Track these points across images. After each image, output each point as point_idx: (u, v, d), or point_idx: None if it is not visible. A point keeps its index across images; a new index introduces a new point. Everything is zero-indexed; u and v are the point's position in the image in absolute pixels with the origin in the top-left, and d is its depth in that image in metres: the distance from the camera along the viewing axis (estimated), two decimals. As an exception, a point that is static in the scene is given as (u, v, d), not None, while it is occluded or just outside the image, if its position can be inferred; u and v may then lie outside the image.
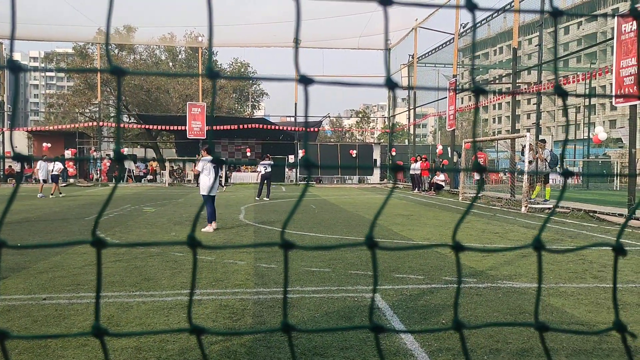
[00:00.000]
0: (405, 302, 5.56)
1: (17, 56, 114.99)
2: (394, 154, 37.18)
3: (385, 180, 37.09)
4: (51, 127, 39.11)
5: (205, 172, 10.84)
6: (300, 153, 35.77)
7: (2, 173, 35.31)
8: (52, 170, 22.26)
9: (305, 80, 0.89)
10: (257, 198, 20.48)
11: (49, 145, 36.09)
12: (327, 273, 6.90)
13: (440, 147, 32.41)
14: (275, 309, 5.29)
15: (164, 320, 4.89)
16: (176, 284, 6.28)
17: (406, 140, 41.74)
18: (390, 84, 0.90)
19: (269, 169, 20.37)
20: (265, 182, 20.50)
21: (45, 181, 21.95)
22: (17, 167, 36.06)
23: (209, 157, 10.75)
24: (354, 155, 36.93)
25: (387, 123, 46.46)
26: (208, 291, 5.94)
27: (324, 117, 45.97)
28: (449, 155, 28.58)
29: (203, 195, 10.79)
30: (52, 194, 21.70)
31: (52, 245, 0.99)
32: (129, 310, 5.18)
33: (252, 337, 4.46)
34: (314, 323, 4.84)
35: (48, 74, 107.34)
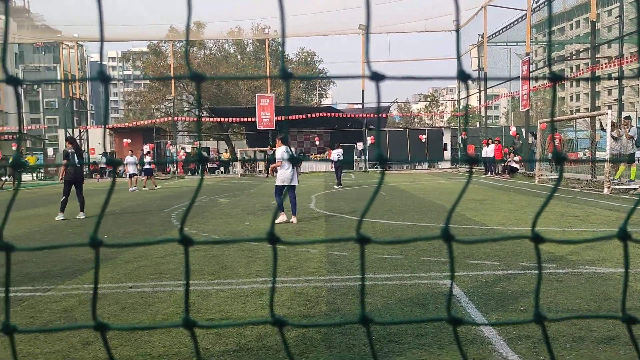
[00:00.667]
0: (480, 288, 5.46)
1: (95, 57, 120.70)
2: (464, 137, 36.32)
3: (457, 165, 36.32)
4: (130, 124, 40.85)
5: (284, 163, 10.83)
6: (369, 140, 35.63)
7: (88, 169, 37.32)
8: (145, 164, 23.35)
9: (376, 77, 0.89)
10: (336, 186, 20.66)
11: (129, 140, 37.73)
12: (400, 260, 6.87)
13: (513, 129, 31.35)
14: (348, 296, 5.33)
15: (241, 308, 5.04)
16: (252, 272, 6.45)
17: (477, 123, 40.62)
18: (463, 76, 0.89)
19: (341, 157, 20.83)
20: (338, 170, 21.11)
21: (132, 175, 22.85)
22: (102, 163, 38.00)
23: (283, 147, 10.76)
24: (423, 141, 36.38)
25: (456, 106, 45.40)
26: (282, 279, 6.07)
27: (391, 102, 45.52)
28: (524, 137, 27.60)
29: (277, 186, 10.62)
30: (144, 187, 22.80)
31: (148, 243, 1.06)
32: (208, 298, 5.38)
33: (324, 322, 4.52)
34: (387, 310, 4.85)
35: (126, 72, 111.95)
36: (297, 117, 36.19)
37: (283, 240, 1.04)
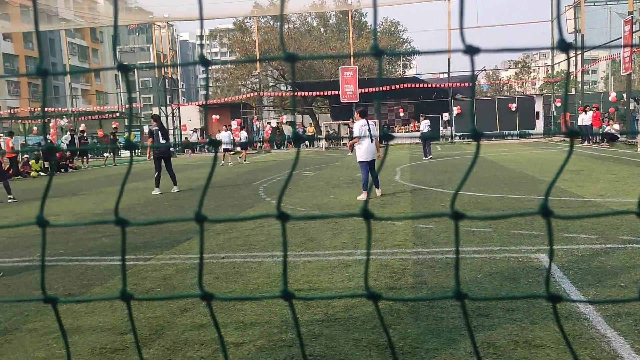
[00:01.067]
0: (576, 263, 5.24)
1: (185, 36, 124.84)
2: (558, 104, 34.47)
3: (550, 135, 34.64)
4: (218, 100, 42.09)
5: (361, 137, 10.42)
6: (455, 110, 34.67)
7: (180, 145, 38.98)
8: (241, 139, 24.17)
9: (471, 50, 0.87)
10: (425, 158, 20.35)
11: (217, 117, 38.94)
12: (489, 233, 6.71)
13: (613, 94, 29.35)
14: (435, 269, 5.29)
15: (328, 279, 5.14)
16: (338, 244, 6.53)
17: (573, 89, 38.42)
18: (563, 46, 0.84)
19: (430, 129, 20.68)
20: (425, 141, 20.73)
21: (227, 150, 23.58)
22: (192, 138, 39.53)
23: (361, 122, 10.23)
24: (513, 110, 34.90)
25: (549, 72, 43.08)
26: (367, 250, 6.10)
27: (479, 70, 43.91)
28: (623, 103, 25.79)
29: (360, 162, 10.28)
30: (241, 159, 23.71)
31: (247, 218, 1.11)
32: (296, 269, 5.52)
33: (414, 295, 4.53)
34: (476, 284, 4.77)
35: (213, 50, 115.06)
36: (380, 88, 35.75)
37: (376, 216, 1.05)
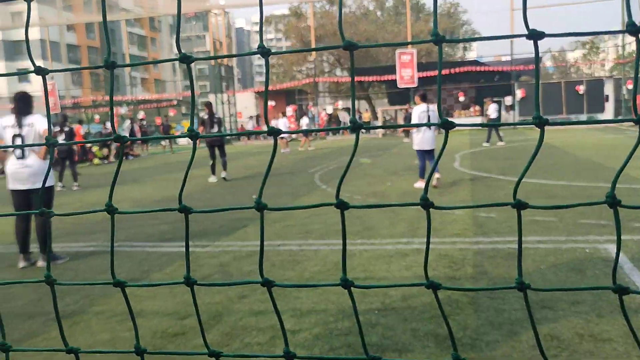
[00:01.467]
0: (648, 255, 4.97)
1: (240, 23, 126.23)
2: (629, 87, 32.82)
3: (620, 118, 33.06)
4: (273, 87, 42.41)
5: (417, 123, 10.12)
6: (519, 94, 33.60)
7: (235, 134, 39.50)
8: (302, 125, 24.35)
9: (536, 35, 0.79)
10: (501, 142, 19.95)
11: (273, 103, 39.26)
12: (554, 222, 6.46)
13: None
14: (496, 259, 5.14)
15: (385, 268, 5.08)
16: (395, 233, 6.45)
17: (643, 71, 36.39)
18: (633, 29, 0.75)
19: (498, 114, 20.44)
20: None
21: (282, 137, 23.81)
22: (248, 125, 40.05)
23: (423, 106, 9.82)
24: (581, 93, 33.48)
25: (620, 52, 41.04)
26: (426, 239, 5.99)
27: (544, 52, 42.34)
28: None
29: (417, 151, 9.91)
30: (302, 147, 23.92)
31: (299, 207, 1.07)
32: (352, 257, 5.49)
33: (473, 286, 4.41)
34: (539, 275, 4.60)
35: (268, 37, 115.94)
36: (440, 78, 35.04)
37: (436, 205, 0.99)
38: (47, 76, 1.11)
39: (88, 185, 13.96)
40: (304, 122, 24.89)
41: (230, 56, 0.86)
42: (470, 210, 7.47)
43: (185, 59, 0.96)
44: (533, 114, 0.88)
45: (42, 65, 1.12)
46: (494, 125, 0.94)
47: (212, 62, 42.20)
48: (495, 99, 22.23)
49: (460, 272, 4.83)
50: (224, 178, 12.94)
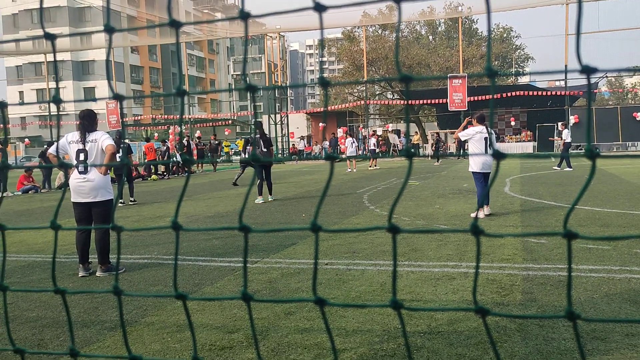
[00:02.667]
0: None
1: (295, 46, 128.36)
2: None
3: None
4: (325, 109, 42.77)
5: (473, 144, 9.25)
6: (573, 119, 32.77)
7: (288, 152, 40.06)
8: (347, 146, 24.55)
9: (588, 70, 0.84)
10: (561, 168, 19.88)
11: (324, 124, 39.61)
12: (607, 251, 6.28)
13: None
14: (546, 286, 5.04)
15: (432, 290, 5.06)
16: (442, 256, 6.41)
17: None
18: None
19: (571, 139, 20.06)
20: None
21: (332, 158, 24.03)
22: (299, 146, 40.53)
23: (480, 127, 9.24)
24: (639, 119, 32.37)
25: (682, 78, 39.48)
26: (474, 264, 5.93)
27: (600, 77, 41.20)
28: None
29: (473, 173, 9.32)
30: (371, 167, 24.15)
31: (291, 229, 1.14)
32: (399, 279, 5.49)
33: (522, 313, 4.34)
34: (592, 305, 4.49)
35: (323, 59, 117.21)
36: (491, 96, 34.62)
37: (486, 232, 1.04)
38: (109, 94, 1.23)
39: (145, 201, 14.43)
40: (349, 142, 24.96)
41: (291, 87, 0.95)
42: (521, 236, 7.33)
43: (251, 88, 1.05)
44: (586, 141, 0.92)
45: (109, 82, 1.24)
46: (542, 155, 0.99)
47: (267, 82, 43.05)
48: (543, 125, 21.89)
49: (508, 298, 4.76)
50: (270, 200, 12.93)
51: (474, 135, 9.17)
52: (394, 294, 1.11)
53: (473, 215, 9.39)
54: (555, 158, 20.76)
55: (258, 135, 12.86)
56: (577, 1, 0.82)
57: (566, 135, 19.75)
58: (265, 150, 12.69)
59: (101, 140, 6.13)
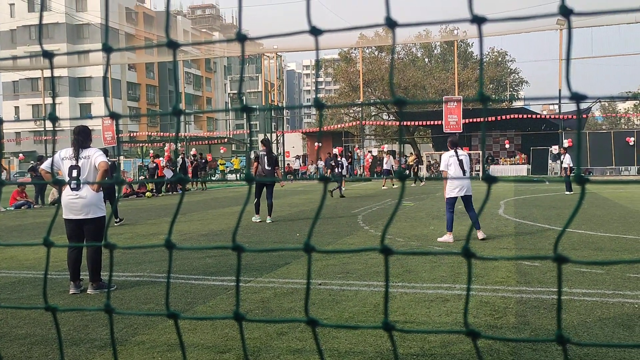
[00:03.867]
0: (701, 314, 4.77)
1: (292, 66, 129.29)
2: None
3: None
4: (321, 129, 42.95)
5: (449, 170, 9.18)
6: (566, 143, 33.01)
7: (283, 171, 40.10)
8: (385, 166, 24.57)
9: (577, 97, 0.86)
10: (568, 192, 19.52)
11: (320, 144, 39.73)
12: (600, 275, 6.28)
13: None
14: (540, 309, 5.03)
15: (425, 312, 5.04)
16: (436, 277, 6.40)
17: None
18: None
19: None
20: None
21: (327, 179, 24.07)
22: (295, 165, 40.58)
23: (450, 152, 9.21)
24: (632, 144, 32.65)
25: (675, 104, 39.95)
26: (467, 286, 5.91)
27: (593, 102, 41.62)
28: None
29: (448, 199, 9.18)
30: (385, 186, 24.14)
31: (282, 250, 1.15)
32: (392, 300, 5.47)
33: (515, 336, 4.33)
34: (585, 329, 4.48)
35: (318, 79, 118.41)
36: (485, 119, 34.90)
37: (478, 255, 1.05)
38: (104, 111, 1.24)
39: (139, 218, 14.37)
40: (391, 163, 25.18)
41: (286, 108, 0.96)
42: (515, 259, 7.33)
43: (247, 110, 1.06)
44: (580, 165, 0.93)
45: (106, 99, 1.25)
46: (532, 180, 1.00)
47: (263, 102, 43.31)
48: (534, 147, 21.72)
49: (502, 321, 4.75)
50: (268, 222, 12.27)
51: (449, 159, 9.15)
52: (386, 316, 1.11)
53: (440, 239, 9.21)
54: (549, 182, 20.83)
55: (264, 152, 12.42)
56: (567, 29, 0.83)
57: (569, 160, 19.56)
58: (268, 168, 12.27)
59: (94, 156, 6.10)
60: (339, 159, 23.69)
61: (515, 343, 4.15)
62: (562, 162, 20.22)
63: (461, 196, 9.03)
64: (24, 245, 9.05)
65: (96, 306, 5.43)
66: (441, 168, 9.38)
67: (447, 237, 9.12)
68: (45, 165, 6.23)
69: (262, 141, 12.93)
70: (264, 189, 12.47)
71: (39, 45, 1.16)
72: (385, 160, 26.65)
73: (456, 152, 9.15)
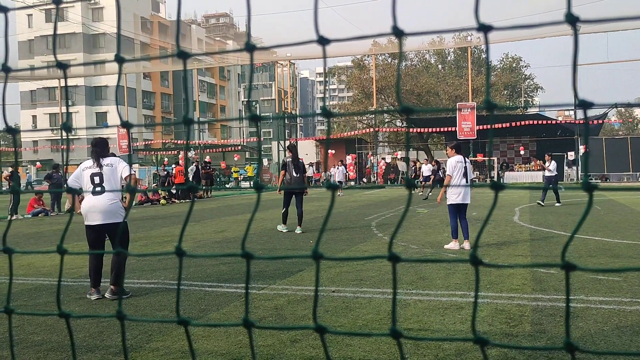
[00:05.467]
0: None
1: (305, 73, 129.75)
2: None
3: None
4: (334, 136, 43.01)
5: (454, 176, 9.02)
6: (581, 149, 32.70)
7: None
8: (425, 172, 24.40)
9: (585, 105, 0.85)
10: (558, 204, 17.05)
11: (333, 151, 39.75)
12: (617, 282, 6.20)
13: None
14: (556, 317, 4.98)
15: (439, 320, 5.01)
16: (450, 285, 6.36)
17: None
18: None
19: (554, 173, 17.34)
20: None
21: (337, 186, 24.25)
22: (308, 172, 40.61)
23: (457, 157, 9.06)
24: (649, 149, 32.26)
25: (693, 109, 39.43)
26: (482, 294, 5.87)
27: (609, 107, 41.22)
28: None
29: (450, 205, 9.02)
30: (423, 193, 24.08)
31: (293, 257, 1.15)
32: (406, 308, 5.44)
33: (531, 344, 4.28)
34: (602, 337, 4.42)
35: (331, 87, 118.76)
36: (500, 125, 34.74)
37: (486, 263, 1.04)
38: (120, 121, 1.26)
39: (153, 225, 14.46)
40: (340, 170, 25.28)
41: (300, 116, 0.97)
42: (530, 266, 7.27)
43: (255, 118, 1.07)
44: (596, 170, 0.93)
45: (118, 109, 1.27)
46: (536, 187, 1.00)
47: (277, 109, 43.48)
48: (552, 154, 19.11)
49: (517, 329, 4.70)
50: (298, 232, 11.59)
51: (455, 165, 8.98)
52: (394, 323, 1.11)
53: (447, 247, 9.06)
54: (565, 189, 20.62)
55: (290, 159, 11.71)
56: (574, 35, 0.83)
57: (554, 168, 17.27)
58: (296, 175, 11.59)
59: (120, 167, 6.24)
60: (336, 166, 23.90)
61: (531, 351, 4.11)
62: (546, 169, 17.56)
63: (460, 203, 8.89)
64: (39, 253, 9.15)
65: (110, 313, 5.47)
66: (448, 172, 9.18)
67: (453, 245, 9.02)
68: (71, 181, 6.33)
69: (288, 147, 12.23)
70: (293, 197, 11.79)
71: (56, 55, 1.18)
72: (425, 167, 26.50)
73: (464, 158, 9.04)
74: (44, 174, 24.02)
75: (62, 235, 1.30)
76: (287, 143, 39.41)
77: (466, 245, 8.94)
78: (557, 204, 16.81)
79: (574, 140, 33.99)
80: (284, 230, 11.74)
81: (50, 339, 4.80)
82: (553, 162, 17.31)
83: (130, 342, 4.61)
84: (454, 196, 8.90)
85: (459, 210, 8.98)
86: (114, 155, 6.64)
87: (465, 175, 8.93)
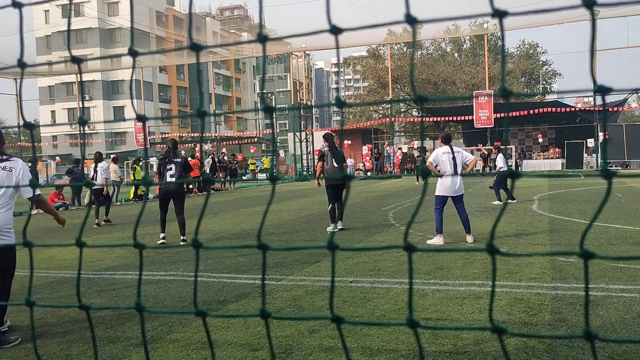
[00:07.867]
0: None
1: (320, 64, 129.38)
2: None
3: None
4: (350, 126, 42.96)
5: (440, 167, 8.68)
6: (601, 136, 32.22)
7: (313, 169, 40.17)
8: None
9: (603, 90, 0.84)
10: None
11: (349, 142, 39.67)
12: (639, 270, 6.13)
13: None
14: (576, 306, 4.93)
15: (458, 309, 4.99)
16: (468, 274, 6.33)
17: None
18: None
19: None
20: None
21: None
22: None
23: (445, 148, 8.69)
24: (671, 135, 31.68)
25: None
26: (501, 283, 5.84)
27: (630, 93, 40.52)
28: None
29: (437, 197, 8.73)
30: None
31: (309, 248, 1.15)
32: (424, 297, 5.44)
33: (551, 334, 4.26)
34: (623, 326, 4.37)
35: (347, 77, 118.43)
36: (517, 113, 34.35)
37: (503, 252, 1.03)
38: (135, 114, 1.27)
39: (173, 217, 14.53)
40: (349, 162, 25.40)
41: (313, 107, 0.97)
42: (549, 254, 7.20)
43: (269, 110, 1.07)
44: (616, 157, 0.91)
45: (135, 103, 1.28)
46: (554, 175, 0.98)
47: (292, 101, 43.48)
48: (571, 141, 18.05)
49: (536, 317, 4.67)
50: (339, 227, 10.66)
51: (442, 156, 8.63)
52: (410, 312, 1.11)
53: (429, 242, 8.72)
54: (584, 176, 20.31)
55: (327, 148, 10.60)
56: (591, 20, 0.82)
57: (501, 162, 14.81)
58: (336, 165, 10.52)
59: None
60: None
61: (550, 340, 4.08)
62: (494, 164, 15.67)
63: (452, 196, 8.60)
64: (58, 246, 9.29)
65: (128, 305, 5.54)
66: (429, 160, 8.76)
67: (437, 240, 8.64)
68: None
69: (323, 136, 10.95)
70: (337, 190, 10.47)
71: (73, 50, 1.19)
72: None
73: (451, 149, 8.65)
74: (64, 169, 24.27)
75: (81, 229, 1.31)
76: (304, 135, 39.37)
77: (469, 239, 8.65)
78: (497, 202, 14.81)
79: (593, 127, 33.49)
80: (335, 230, 10.35)
81: (73, 330, 4.89)
82: (500, 155, 15.45)
83: (150, 333, 4.67)
84: (443, 188, 8.61)
85: (454, 203, 8.67)
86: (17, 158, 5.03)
87: (454, 166, 8.54)
